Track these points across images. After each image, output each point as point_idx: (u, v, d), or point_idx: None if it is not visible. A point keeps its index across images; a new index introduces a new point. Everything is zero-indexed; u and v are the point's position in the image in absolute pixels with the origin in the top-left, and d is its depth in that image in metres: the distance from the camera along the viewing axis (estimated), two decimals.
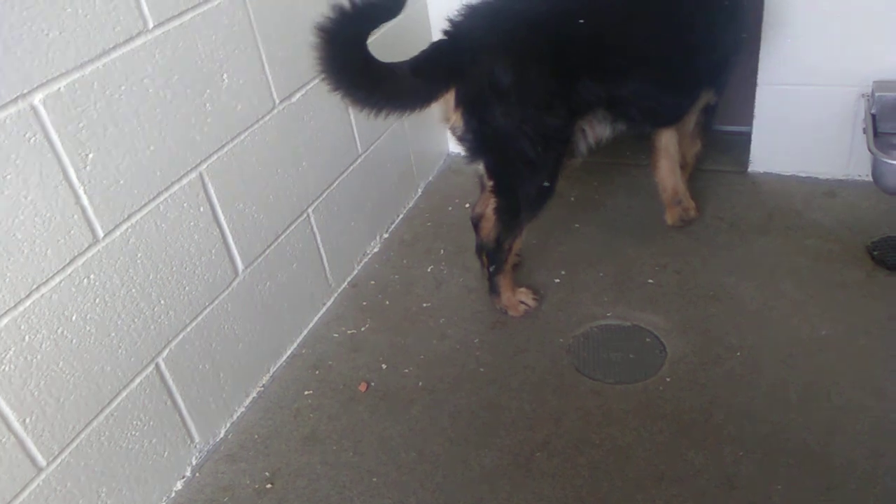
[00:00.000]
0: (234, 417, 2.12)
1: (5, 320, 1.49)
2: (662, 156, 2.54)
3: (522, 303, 2.34)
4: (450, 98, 2.03)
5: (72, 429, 1.65)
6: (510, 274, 2.33)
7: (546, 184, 2.14)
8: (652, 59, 2.14)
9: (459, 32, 2.01)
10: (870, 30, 2.43)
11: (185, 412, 1.95)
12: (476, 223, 2.43)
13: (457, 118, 2.05)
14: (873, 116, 2.43)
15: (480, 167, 2.20)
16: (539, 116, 2.03)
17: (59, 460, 1.62)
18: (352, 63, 1.88)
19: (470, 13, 2.02)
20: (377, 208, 2.73)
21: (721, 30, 2.26)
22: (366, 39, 1.88)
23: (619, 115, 2.20)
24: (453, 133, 2.12)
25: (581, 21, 1.99)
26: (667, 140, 2.51)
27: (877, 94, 2.43)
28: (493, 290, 2.33)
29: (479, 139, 2.07)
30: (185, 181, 1.87)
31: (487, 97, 1.99)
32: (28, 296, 1.52)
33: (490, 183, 2.17)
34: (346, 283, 2.60)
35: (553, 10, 2.01)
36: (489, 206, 2.30)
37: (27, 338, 1.53)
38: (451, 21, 2.03)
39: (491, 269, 2.31)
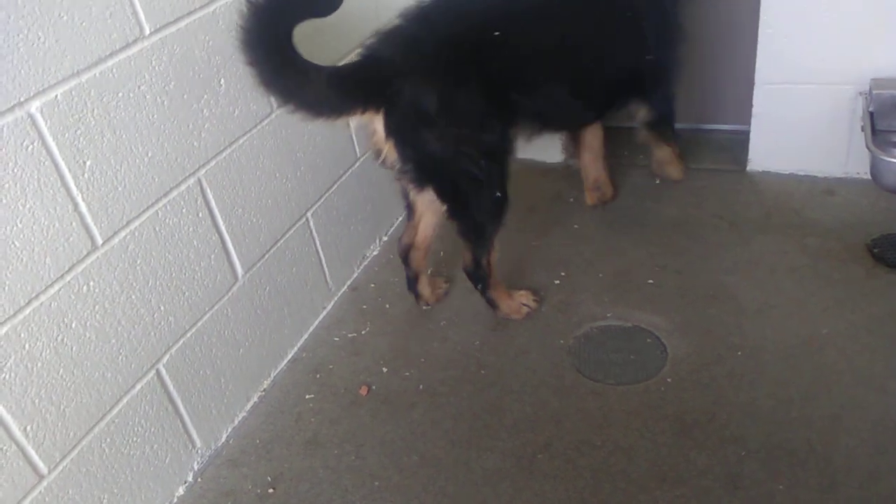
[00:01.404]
0: (236, 422, 2.12)
1: (5, 328, 1.49)
2: (586, 149, 2.70)
3: (524, 304, 2.33)
4: (377, 130, 1.97)
5: (73, 436, 1.65)
6: (500, 283, 2.32)
7: (498, 194, 2.11)
8: (565, 69, 2.16)
9: (377, 58, 1.94)
10: (867, 28, 2.42)
11: (186, 418, 1.95)
12: (405, 255, 2.37)
13: (390, 149, 1.98)
14: (871, 114, 2.43)
15: (412, 191, 2.15)
16: (474, 135, 2.00)
17: (60, 467, 1.62)
18: (271, 52, 1.77)
19: (385, 38, 1.95)
20: (376, 211, 2.73)
21: (634, 47, 2.28)
22: (291, 30, 1.75)
23: (539, 121, 2.23)
24: (391, 168, 2.04)
25: (497, 33, 1.98)
26: (591, 136, 2.64)
27: (874, 92, 2.42)
28: (491, 304, 2.32)
29: (420, 168, 2.01)
30: (183, 187, 1.87)
31: (417, 124, 1.94)
32: (27, 304, 1.52)
33: (443, 208, 2.12)
34: (346, 287, 2.60)
35: (468, 30, 1.99)
36: (419, 234, 2.31)
37: (27, 346, 1.53)
38: (366, 47, 1.96)
39: (479, 288, 2.29)
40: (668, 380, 2.04)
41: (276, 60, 1.78)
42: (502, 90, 2.01)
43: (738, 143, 2.89)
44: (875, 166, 2.44)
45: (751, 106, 2.71)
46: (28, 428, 1.55)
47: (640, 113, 2.55)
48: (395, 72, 1.90)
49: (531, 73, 2.07)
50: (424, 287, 2.42)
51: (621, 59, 2.31)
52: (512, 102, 2.05)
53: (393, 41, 1.95)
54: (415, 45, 1.95)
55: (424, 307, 2.44)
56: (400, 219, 2.88)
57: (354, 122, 1.98)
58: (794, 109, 2.65)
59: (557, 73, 2.14)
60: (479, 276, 2.26)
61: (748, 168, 2.84)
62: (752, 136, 2.78)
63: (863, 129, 2.44)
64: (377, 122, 1.96)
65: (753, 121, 2.74)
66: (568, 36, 2.13)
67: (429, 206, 2.22)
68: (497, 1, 2.08)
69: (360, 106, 1.91)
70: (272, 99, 2.12)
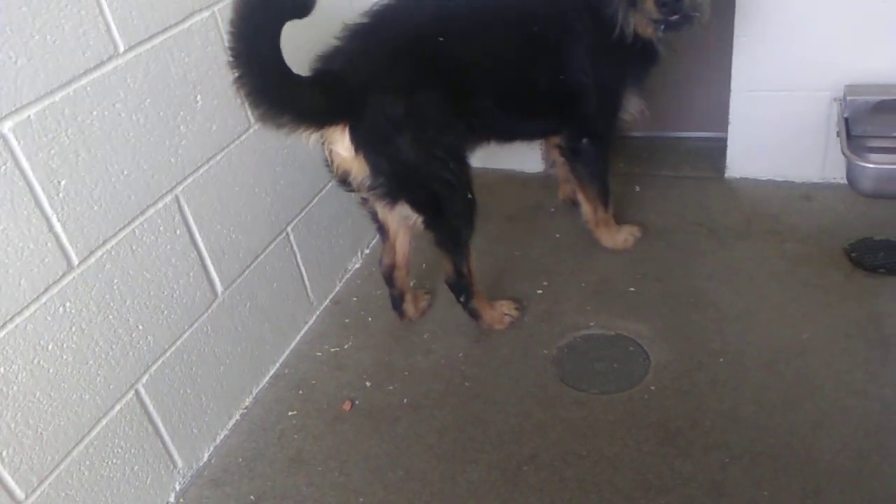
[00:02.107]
0: (218, 441, 2.10)
1: None
2: (552, 150, 2.59)
3: (506, 314, 2.33)
4: (337, 151, 1.94)
5: (51, 460, 1.62)
6: (482, 293, 2.31)
7: (469, 196, 2.11)
8: (501, 81, 2.14)
9: (336, 73, 1.91)
10: (841, 35, 2.45)
11: (166, 438, 1.92)
12: (389, 276, 2.37)
13: (359, 166, 1.95)
14: (846, 120, 2.45)
15: (384, 210, 2.14)
16: (442, 138, 2.01)
17: (38, 492, 1.59)
18: (265, 59, 1.70)
19: (330, 58, 1.94)
20: (357, 224, 2.71)
21: (553, 72, 2.22)
22: (279, 32, 1.69)
23: (487, 128, 2.21)
24: (359, 186, 2.00)
25: (441, 39, 1.99)
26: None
27: (849, 98, 2.45)
28: (473, 315, 2.32)
29: (395, 178, 1.98)
30: (160, 205, 1.85)
31: (388, 134, 1.92)
32: (2, 326, 1.50)
33: (419, 219, 2.10)
34: (328, 301, 2.58)
35: (417, 35, 2.00)
36: (398, 253, 2.31)
37: (2, 369, 1.50)
38: (314, 69, 1.92)
39: (462, 299, 2.29)
40: (652, 387, 2.04)
41: (268, 68, 1.71)
42: (456, 93, 2.01)
43: (716, 151, 2.90)
44: (851, 171, 2.47)
45: (727, 113, 2.74)
46: (4, 453, 1.52)
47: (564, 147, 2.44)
48: (355, 84, 1.89)
49: (472, 80, 2.07)
50: (409, 305, 2.41)
51: (543, 82, 2.23)
52: (467, 104, 2.06)
53: (341, 59, 1.93)
54: (364, 58, 1.94)
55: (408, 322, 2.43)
56: None
57: (314, 138, 1.89)
58: (770, 116, 2.68)
59: (489, 84, 2.12)
60: (462, 286, 2.26)
61: (726, 175, 2.86)
62: (729, 143, 2.81)
63: (838, 134, 2.47)
64: (339, 143, 1.92)
65: (730, 128, 2.77)
66: (495, 47, 2.12)
67: (401, 224, 2.21)
68: (424, 14, 2.07)
69: (332, 118, 1.88)
70: (249, 114, 2.10)
